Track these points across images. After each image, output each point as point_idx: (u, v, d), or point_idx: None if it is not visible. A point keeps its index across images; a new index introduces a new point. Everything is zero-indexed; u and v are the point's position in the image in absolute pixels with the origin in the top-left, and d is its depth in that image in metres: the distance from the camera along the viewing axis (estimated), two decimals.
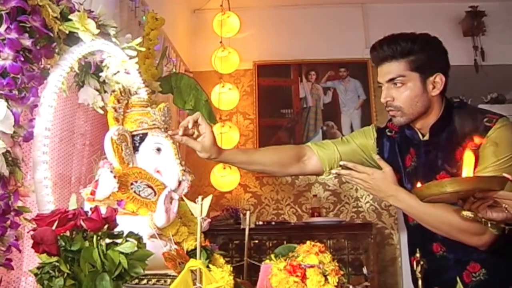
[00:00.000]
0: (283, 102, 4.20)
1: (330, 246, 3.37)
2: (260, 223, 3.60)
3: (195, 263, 0.73)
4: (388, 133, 1.73)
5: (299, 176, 4.04)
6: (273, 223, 3.65)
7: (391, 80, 1.54)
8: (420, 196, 1.32)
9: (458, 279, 1.56)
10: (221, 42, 3.90)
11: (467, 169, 1.26)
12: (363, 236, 3.46)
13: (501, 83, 4.61)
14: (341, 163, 1.64)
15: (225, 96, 3.90)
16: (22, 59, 1.15)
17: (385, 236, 3.98)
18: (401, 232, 4.00)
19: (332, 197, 4.02)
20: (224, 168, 3.80)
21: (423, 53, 1.54)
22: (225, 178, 3.82)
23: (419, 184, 1.36)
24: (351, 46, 4.28)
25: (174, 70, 3.44)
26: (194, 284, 0.77)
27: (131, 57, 1.61)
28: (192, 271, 0.81)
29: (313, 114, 4.18)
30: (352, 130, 4.10)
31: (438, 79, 1.54)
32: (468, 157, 1.29)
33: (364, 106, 4.19)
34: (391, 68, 1.54)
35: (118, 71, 1.61)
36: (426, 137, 1.60)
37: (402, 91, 1.54)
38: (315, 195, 3.96)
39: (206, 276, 0.74)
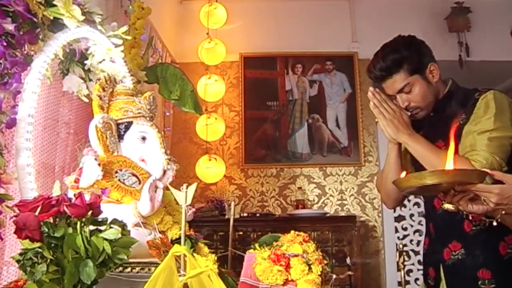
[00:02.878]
0: (269, 95, 4.20)
1: (314, 238, 3.39)
2: (245, 214, 3.63)
3: (179, 249, 0.73)
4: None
5: (284, 168, 4.08)
6: (257, 214, 3.68)
7: (400, 90, 1.70)
8: (400, 187, 1.34)
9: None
10: (207, 33, 3.88)
11: (448, 162, 1.29)
12: (347, 228, 3.50)
13: (484, 79, 4.65)
14: None
15: (211, 88, 3.88)
16: (5, 44, 1.14)
17: (369, 228, 4.02)
18: (385, 225, 4.05)
19: (316, 190, 4.05)
20: (210, 160, 3.81)
21: (411, 56, 1.70)
22: (210, 170, 3.82)
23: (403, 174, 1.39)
24: (338, 39, 4.31)
25: (160, 60, 3.42)
26: (178, 270, 0.78)
27: (116, 46, 1.60)
28: (176, 259, 0.81)
29: (299, 107, 4.18)
30: (337, 124, 4.15)
31: (433, 68, 1.72)
32: (449, 150, 1.31)
33: (350, 99, 4.20)
34: (395, 82, 1.70)
35: (104, 59, 1.59)
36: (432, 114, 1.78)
37: (413, 94, 1.70)
38: (299, 188, 3.99)
39: (190, 262, 0.74)
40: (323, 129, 4.15)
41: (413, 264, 4.03)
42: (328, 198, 4.05)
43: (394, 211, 3.97)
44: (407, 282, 3.98)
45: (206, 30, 3.91)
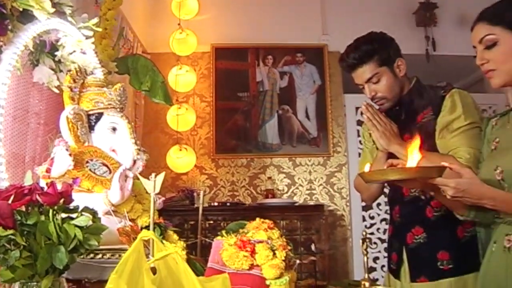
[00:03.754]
0: (240, 86, 4.23)
1: (283, 227, 3.47)
2: (215, 204, 3.68)
3: (147, 234, 0.78)
4: None
5: (254, 159, 4.13)
6: (228, 204, 3.72)
7: (369, 79, 1.81)
8: (365, 179, 1.45)
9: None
10: (179, 24, 3.88)
11: (411, 160, 1.38)
12: (315, 217, 3.59)
13: (450, 73, 4.80)
14: None
15: (182, 78, 3.90)
16: None
17: (337, 217, 4.12)
18: (353, 214, 4.16)
19: (286, 180, 4.12)
20: (180, 150, 3.83)
21: (382, 49, 1.83)
22: (181, 160, 3.84)
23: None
24: (308, 32, 4.36)
25: (131, 51, 3.42)
26: (147, 255, 0.82)
27: (87, 37, 1.62)
28: (145, 244, 0.86)
29: (269, 98, 4.23)
30: (307, 115, 4.21)
31: (400, 63, 1.85)
32: (412, 147, 1.40)
33: (319, 91, 4.27)
34: (365, 71, 1.81)
35: (74, 51, 1.61)
36: (397, 107, 1.91)
37: (380, 84, 1.82)
38: (269, 178, 4.05)
39: (158, 246, 0.79)
40: (293, 120, 4.21)
41: (379, 251, 4.16)
42: (297, 188, 4.13)
43: (362, 201, 4.08)
44: (374, 269, 4.11)
45: (178, 20, 3.90)
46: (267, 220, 1.44)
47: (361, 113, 1.93)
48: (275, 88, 4.26)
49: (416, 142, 1.44)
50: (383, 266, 4.13)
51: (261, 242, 1.33)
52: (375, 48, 1.81)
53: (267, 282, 1.30)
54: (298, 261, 1.42)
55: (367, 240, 1.87)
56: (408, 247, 1.80)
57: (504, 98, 4.53)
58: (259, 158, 4.15)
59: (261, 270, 1.30)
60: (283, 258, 1.32)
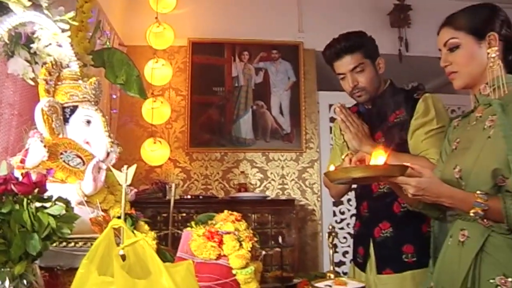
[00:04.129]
0: (215, 80, 4.25)
1: (255, 220, 3.53)
2: (188, 197, 3.71)
3: (117, 222, 0.83)
4: None
5: (228, 153, 4.18)
6: (200, 197, 3.76)
7: (354, 68, 1.91)
8: (330, 178, 1.53)
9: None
10: (156, 17, 3.88)
11: (374, 159, 1.46)
12: (285, 211, 3.66)
13: (421, 73, 4.92)
14: None
15: (158, 72, 3.90)
16: None
17: (308, 212, 4.20)
18: (323, 209, 4.25)
19: (259, 174, 4.18)
20: (155, 143, 3.85)
21: (369, 44, 1.96)
22: (155, 153, 3.85)
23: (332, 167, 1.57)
24: (285, 29, 4.42)
25: (107, 43, 3.42)
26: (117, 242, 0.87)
27: (63, 30, 1.64)
28: (115, 231, 0.91)
29: (244, 93, 4.27)
30: (281, 111, 4.27)
31: (381, 61, 1.97)
32: (376, 151, 1.49)
33: (294, 87, 4.33)
34: (351, 59, 1.91)
35: (50, 44, 1.63)
36: (371, 107, 2.01)
37: (363, 75, 1.92)
38: (242, 172, 4.10)
39: (127, 234, 0.84)
40: (267, 115, 4.26)
41: (349, 246, 4.24)
42: (269, 182, 4.19)
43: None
44: (343, 263, 4.21)
45: (155, 14, 3.89)
46: (234, 213, 1.49)
47: (334, 112, 2.01)
48: (250, 84, 4.30)
49: (383, 145, 1.54)
50: (352, 260, 4.23)
51: (228, 233, 1.38)
52: (364, 40, 1.93)
53: (234, 272, 1.35)
54: (264, 252, 1.48)
55: (333, 234, 1.96)
56: (375, 241, 1.90)
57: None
58: (232, 152, 4.19)
59: (228, 260, 1.36)
60: (249, 249, 1.38)
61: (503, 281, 1.27)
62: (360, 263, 2.00)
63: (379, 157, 1.45)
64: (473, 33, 1.51)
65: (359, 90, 1.94)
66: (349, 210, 4.30)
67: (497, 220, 1.33)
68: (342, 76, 1.97)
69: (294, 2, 4.50)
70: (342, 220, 4.31)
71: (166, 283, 0.73)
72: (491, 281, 1.29)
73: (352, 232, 4.22)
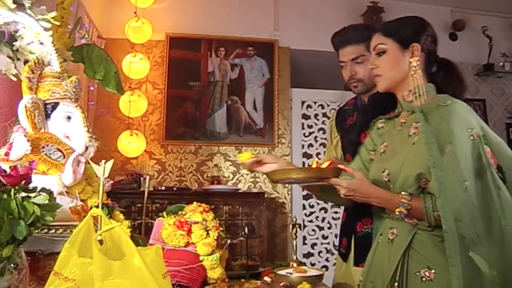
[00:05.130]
0: (191, 75, 4.32)
1: (226, 212, 3.65)
2: (162, 188, 3.81)
3: (96, 211, 0.95)
4: (345, 108, 2.21)
5: (202, 146, 4.28)
6: (174, 188, 3.84)
7: (354, 59, 1.97)
8: (271, 179, 1.65)
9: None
10: (135, 12, 3.94)
11: (315, 162, 1.60)
12: (256, 203, 3.77)
13: None
14: None
15: (135, 66, 3.96)
16: None
17: (278, 205, 4.34)
18: (294, 202, 4.39)
19: (232, 167, 4.28)
20: (131, 135, 3.92)
21: (370, 39, 1.96)
22: (131, 145, 3.92)
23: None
24: (261, 27, 4.51)
25: (86, 36, 3.47)
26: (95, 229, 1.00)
27: (46, 29, 1.72)
28: (93, 219, 1.03)
29: (219, 88, 4.36)
30: (255, 106, 4.38)
31: None
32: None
33: (268, 84, 4.44)
34: (353, 50, 1.97)
35: (32, 41, 1.72)
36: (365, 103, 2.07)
37: (363, 67, 1.96)
38: (215, 165, 4.21)
39: (104, 221, 0.96)
40: (241, 110, 4.36)
41: (317, 238, 4.41)
42: (242, 176, 4.30)
43: (303, 190, 4.31)
44: (312, 254, 4.37)
45: (134, 8, 3.96)
46: (203, 204, 1.62)
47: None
48: (225, 79, 4.39)
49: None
50: (320, 252, 4.40)
51: (196, 223, 1.51)
52: (369, 35, 1.88)
53: (201, 258, 1.49)
54: (229, 241, 1.61)
55: (297, 225, 2.10)
56: (356, 235, 1.97)
57: None
58: (207, 145, 4.28)
59: (196, 247, 1.49)
60: (215, 238, 1.51)
61: (427, 273, 1.40)
62: (343, 254, 2.07)
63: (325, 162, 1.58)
64: (399, 41, 1.65)
65: (355, 81, 2.00)
66: (318, 204, 4.45)
67: (419, 218, 1.47)
68: (343, 64, 2.03)
69: (270, 0, 4.59)
70: (311, 213, 4.45)
71: (137, 263, 0.85)
72: (417, 273, 1.43)
73: (320, 225, 4.42)
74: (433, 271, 1.41)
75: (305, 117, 4.59)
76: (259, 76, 4.45)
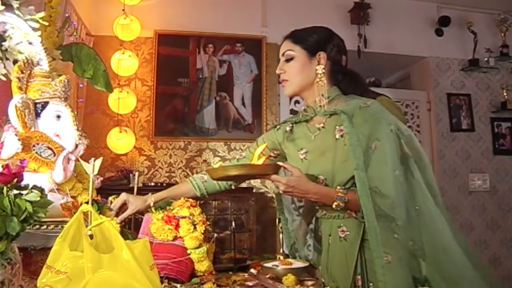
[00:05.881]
0: (180, 72, 4.34)
1: (215, 207, 3.69)
2: (152, 184, 3.84)
3: (86, 207, 1.00)
4: None
5: (191, 142, 4.32)
6: (164, 184, 3.84)
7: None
8: (211, 175, 1.70)
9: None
10: (123, 10, 3.94)
11: (253, 159, 1.64)
12: (244, 198, 3.82)
13: (378, 69, 5.17)
14: None
15: (124, 63, 3.97)
16: None
17: (267, 199, 4.36)
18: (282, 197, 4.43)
19: (221, 163, 4.31)
20: (121, 132, 3.94)
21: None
22: (121, 141, 3.94)
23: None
24: (249, 23, 4.55)
25: (75, 33, 3.50)
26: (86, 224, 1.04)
27: (34, 30, 1.75)
28: (84, 215, 1.08)
29: (208, 85, 4.38)
30: (243, 102, 4.42)
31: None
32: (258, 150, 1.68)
33: (256, 80, 4.47)
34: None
35: (21, 42, 1.75)
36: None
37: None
38: (205, 160, 4.25)
39: (94, 216, 1.01)
40: (229, 106, 4.39)
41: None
42: None
43: None
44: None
45: (122, 4, 3.96)
46: (190, 199, 1.67)
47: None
48: (214, 76, 4.41)
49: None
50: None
51: (184, 217, 1.56)
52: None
53: (188, 251, 1.54)
54: (216, 235, 1.66)
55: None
56: None
57: (426, 95, 4.96)
58: (196, 141, 4.31)
59: (183, 241, 1.54)
60: (202, 232, 1.56)
61: (385, 258, 1.47)
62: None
63: (260, 159, 1.62)
64: (307, 49, 1.74)
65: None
66: None
67: (355, 210, 1.57)
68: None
69: None
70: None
71: (126, 256, 0.90)
72: (376, 260, 1.48)
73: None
74: (389, 255, 1.48)
75: (293, 112, 4.63)
76: (247, 72, 4.49)
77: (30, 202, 1.10)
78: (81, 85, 3.81)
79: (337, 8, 4.73)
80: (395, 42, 4.85)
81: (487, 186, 4.96)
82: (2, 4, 1.57)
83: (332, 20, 4.50)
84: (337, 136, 1.64)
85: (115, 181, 3.63)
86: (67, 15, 3.20)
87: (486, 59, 4.97)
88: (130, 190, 1.95)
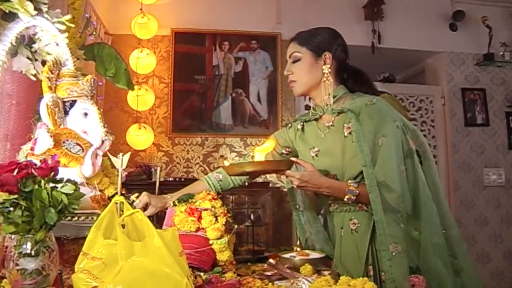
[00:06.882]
0: (197, 69, 4.42)
1: (232, 201, 3.76)
2: (171, 179, 3.93)
3: (119, 198, 1.08)
4: None
5: (208, 138, 4.39)
6: (182, 179, 3.95)
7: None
8: (228, 172, 1.77)
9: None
10: (141, 9, 4.04)
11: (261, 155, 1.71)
12: (261, 193, 3.89)
13: (392, 65, 5.17)
14: None
15: (142, 61, 4.07)
16: None
17: (283, 194, 4.39)
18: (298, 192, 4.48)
19: (237, 158, 4.37)
20: (139, 128, 4.04)
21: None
22: (140, 137, 4.03)
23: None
24: (264, 20, 4.60)
25: (94, 33, 3.58)
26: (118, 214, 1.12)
27: (61, 32, 1.84)
28: (116, 205, 1.16)
29: (224, 82, 4.45)
30: (259, 98, 4.48)
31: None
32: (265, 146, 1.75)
33: (271, 76, 4.53)
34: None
35: (49, 43, 1.84)
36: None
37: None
38: (222, 156, 4.32)
39: (126, 207, 1.09)
40: (245, 102, 4.46)
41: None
42: None
43: None
44: None
45: (140, 4, 4.05)
46: (212, 192, 1.74)
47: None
48: (230, 72, 4.47)
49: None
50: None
51: (206, 210, 1.63)
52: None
53: (210, 242, 1.60)
54: (236, 226, 1.73)
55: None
56: None
57: (440, 90, 4.97)
58: (212, 137, 4.38)
59: (206, 232, 1.60)
60: (224, 223, 1.63)
61: (395, 248, 1.54)
62: None
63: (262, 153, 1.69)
64: (312, 50, 1.79)
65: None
66: None
67: (365, 203, 1.64)
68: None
69: None
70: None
71: (157, 243, 0.98)
72: (386, 250, 1.55)
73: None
74: (399, 246, 1.55)
75: (308, 108, 4.66)
76: (263, 69, 4.54)
77: (65, 194, 1.18)
78: (100, 83, 3.89)
79: (351, 4, 4.75)
80: (409, 37, 4.86)
81: (502, 181, 4.96)
82: (34, 9, 1.65)
83: (346, 16, 4.55)
84: (346, 134, 1.71)
85: (135, 176, 3.71)
86: (87, 15, 3.28)
87: (501, 53, 4.96)
88: (150, 185, 2.02)
